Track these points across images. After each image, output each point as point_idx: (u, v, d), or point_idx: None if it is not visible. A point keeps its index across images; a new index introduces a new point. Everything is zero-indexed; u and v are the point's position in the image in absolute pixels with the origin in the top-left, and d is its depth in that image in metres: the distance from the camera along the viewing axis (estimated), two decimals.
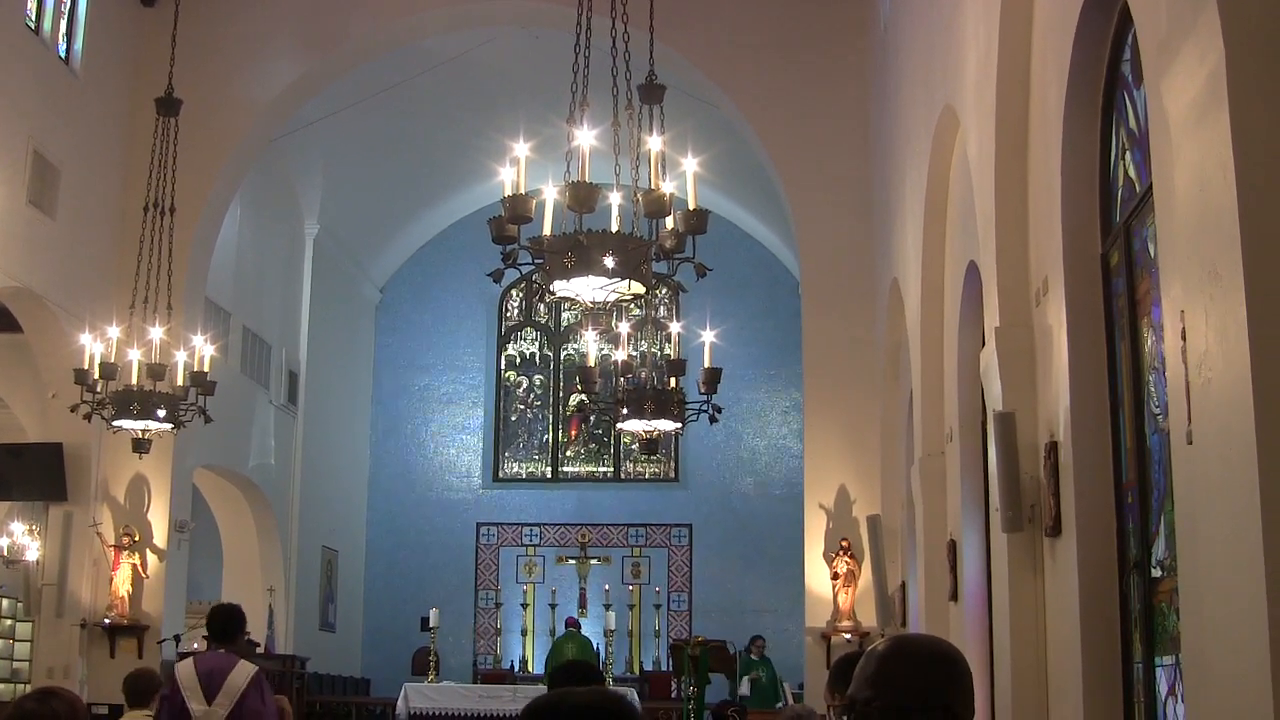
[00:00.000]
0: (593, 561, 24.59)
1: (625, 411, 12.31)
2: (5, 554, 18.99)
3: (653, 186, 8.18)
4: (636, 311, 17.67)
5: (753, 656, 19.60)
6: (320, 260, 23.51)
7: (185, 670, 8.61)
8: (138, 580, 17.07)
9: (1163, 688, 6.31)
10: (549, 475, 26.59)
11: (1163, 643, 6.30)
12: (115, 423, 13.36)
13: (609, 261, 8.00)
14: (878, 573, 16.26)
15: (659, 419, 12.27)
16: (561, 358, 26.88)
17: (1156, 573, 6.39)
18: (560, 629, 22.61)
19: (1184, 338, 4.76)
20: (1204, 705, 4.82)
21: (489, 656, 24.57)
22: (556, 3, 16.58)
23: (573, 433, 26.74)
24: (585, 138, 8.11)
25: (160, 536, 17.34)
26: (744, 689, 18.83)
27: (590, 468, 26.74)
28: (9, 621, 19.90)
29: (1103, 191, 7.18)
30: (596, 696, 2.57)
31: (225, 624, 8.81)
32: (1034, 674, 7.98)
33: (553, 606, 23.87)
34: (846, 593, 16.97)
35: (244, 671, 8.53)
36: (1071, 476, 7.13)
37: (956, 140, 11.12)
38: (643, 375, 13.41)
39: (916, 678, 2.91)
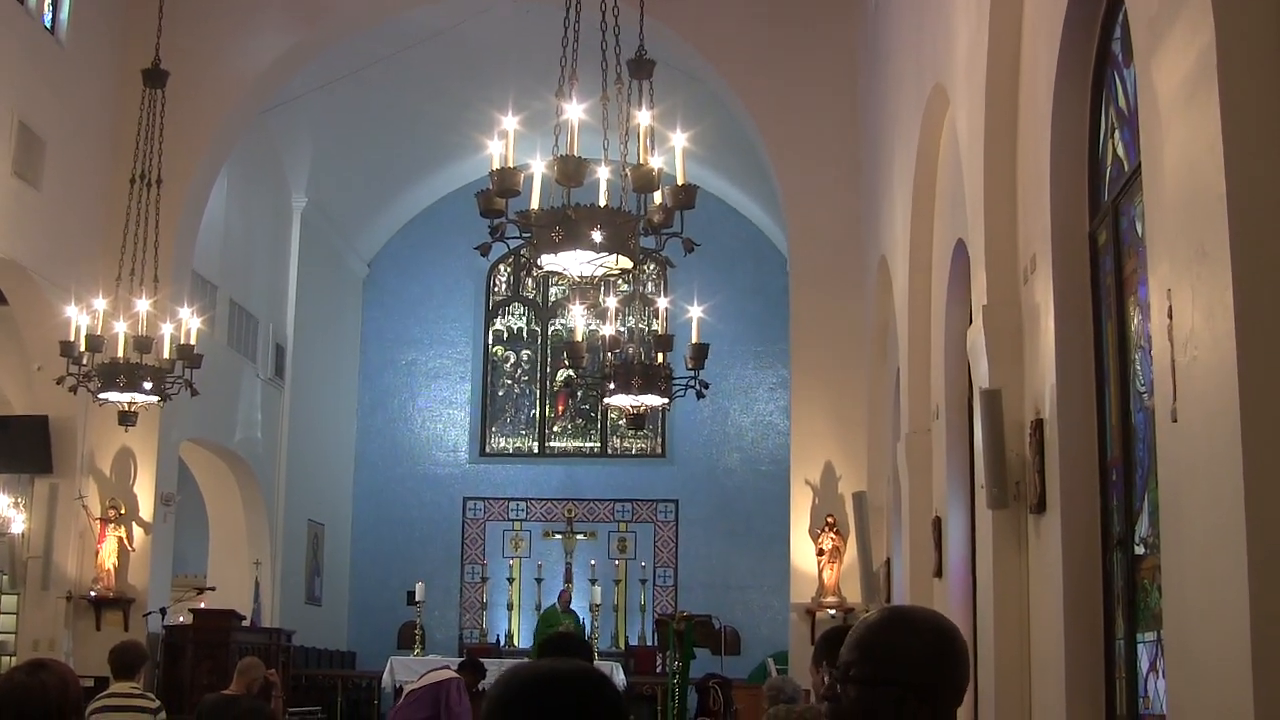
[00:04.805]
0: (579, 536, 24.61)
1: (612, 387, 12.31)
2: None
3: (641, 161, 8.17)
4: (624, 286, 17.65)
5: None
6: (308, 234, 23.45)
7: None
8: (123, 553, 17.06)
9: (1144, 664, 6.35)
10: (536, 450, 26.60)
11: (1145, 619, 6.34)
12: (101, 395, 13.33)
13: (597, 236, 8.01)
14: (863, 549, 16.29)
15: (646, 394, 12.27)
16: (549, 333, 26.87)
17: (1140, 550, 6.42)
18: (545, 604, 22.73)
19: (1170, 316, 4.78)
20: (1185, 681, 4.84)
21: (475, 630, 24.59)
22: None
23: (560, 408, 26.73)
24: (574, 112, 8.10)
25: (146, 509, 17.33)
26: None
27: (577, 443, 26.75)
28: None
29: (1091, 170, 7.19)
30: (561, 672, 2.52)
31: (471, 664, 14.03)
32: (1017, 650, 8.01)
33: (539, 581, 23.91)
34: (831, 569, 17.01)
35: (441, 675, 13.22)
36: (1057, 454, 7.16)
37: (946, 118, 11.12)
38: (630, 350, 13.38)
39: (897, 650, 2.91)
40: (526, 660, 2.61)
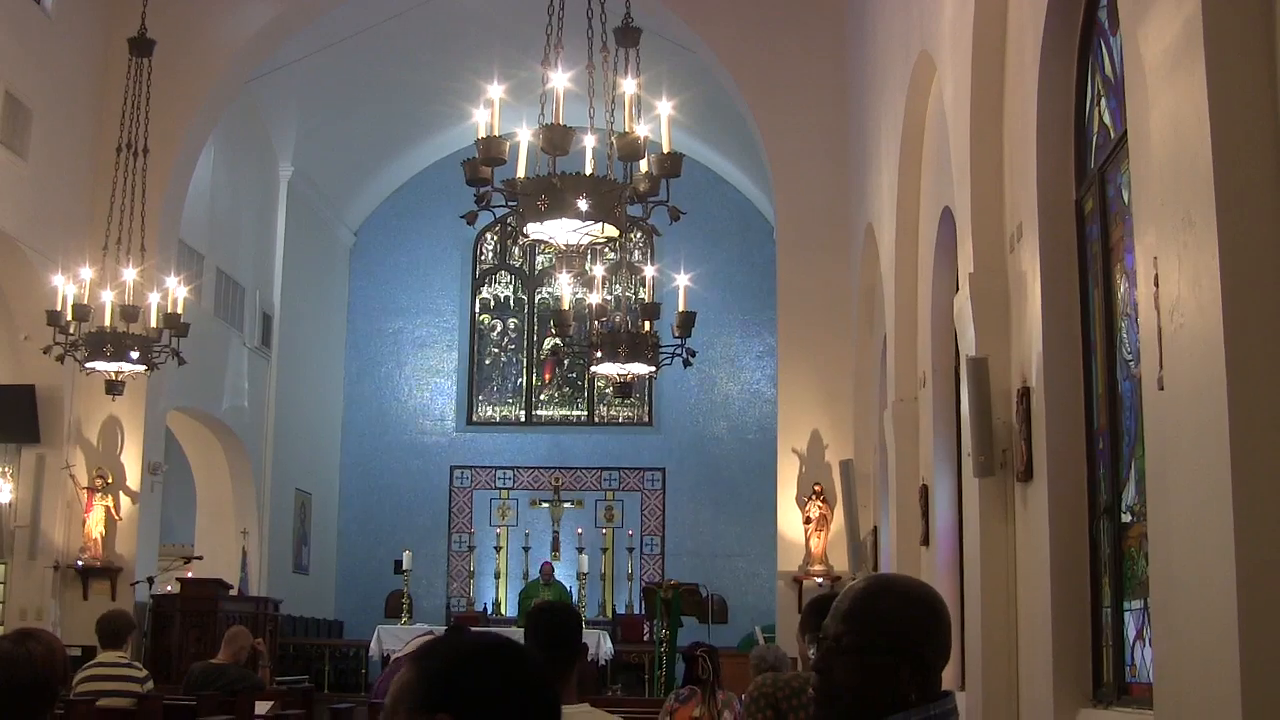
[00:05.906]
0: (566, 505, 24.60)
1: (599, 355, 12.29)
2: None
3: (627, 130, 8.15)
4: (611, 255, 17.64)
5: None
6: (294, 203, 23.39)
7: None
8: (111, 522, 17.05)
9: (1131, 632, 6.37)
10: (523, 419, 26.59)
11: (1131, 587, 6.36)
12: (88, 364, 13.30)
13: (582, 204, 7.98)
14: (850, 517, 16.34)
15: (633, 363, 12.25)
16: (536, 301, 26.84)
17: (1126, 518, 6.43)
18: (532, 573, 22.75)
19: (1157, 284, 4.78)
20: (1171, 649, 4.86)
21: (462, 599, 24.62)
22: None
23: (547, 376, 26.72)
24: (560, 80, 8.06)
25: (133, 479, 17.32)
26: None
27: (564, 411, 26.75)
28: None
29: (1078, 138, 7.19)
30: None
31: (455, 627, 12.99)
32: (1004, 618, 8.03)
33: (526, 550, 23.93)
34: (818, 537, 17.05)
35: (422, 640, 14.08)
36: (1043, 422, 7.17)
37: (932, 86, 11.10)
38: (617, 319, 13.36)
39: (888, 618, 2.92)
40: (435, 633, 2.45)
